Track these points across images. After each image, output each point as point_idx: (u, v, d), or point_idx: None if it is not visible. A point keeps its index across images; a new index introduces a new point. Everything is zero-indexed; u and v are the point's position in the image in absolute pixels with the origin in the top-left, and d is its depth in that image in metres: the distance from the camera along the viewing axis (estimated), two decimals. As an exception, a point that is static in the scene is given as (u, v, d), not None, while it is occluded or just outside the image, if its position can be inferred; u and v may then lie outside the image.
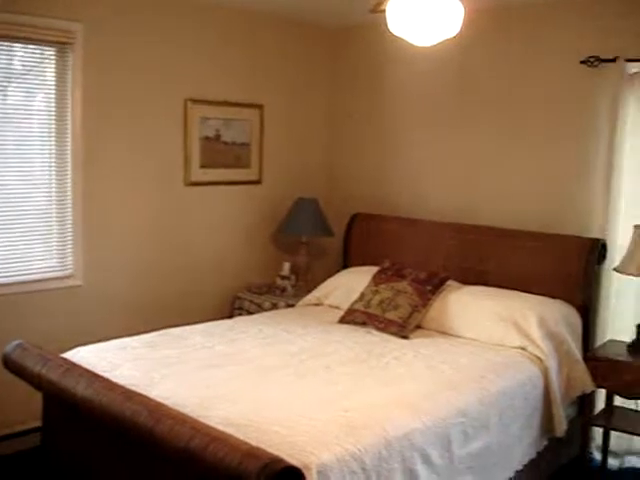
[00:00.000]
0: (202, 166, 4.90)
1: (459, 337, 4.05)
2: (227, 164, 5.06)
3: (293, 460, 2.35)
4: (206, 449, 2.33)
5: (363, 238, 5.16)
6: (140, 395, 2.77)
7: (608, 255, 4.17)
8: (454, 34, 2.58)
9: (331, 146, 5.62)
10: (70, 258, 4.35)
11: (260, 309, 4.83)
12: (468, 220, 4.74)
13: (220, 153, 5.01)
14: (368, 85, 5.33)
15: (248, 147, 5.17)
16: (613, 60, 4.11)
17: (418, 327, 4.15)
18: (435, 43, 2.62)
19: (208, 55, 4.85)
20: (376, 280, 4.43)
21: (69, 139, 4.24)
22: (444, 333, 4.12)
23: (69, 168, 4.27)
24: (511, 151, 4.64)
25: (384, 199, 5.26)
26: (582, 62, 4.24)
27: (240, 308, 5.02)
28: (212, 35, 4.84)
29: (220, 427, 2.54)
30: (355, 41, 5.37)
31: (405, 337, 3.99)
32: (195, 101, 4.79)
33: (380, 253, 4.86)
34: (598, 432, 4.27)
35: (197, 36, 4.77)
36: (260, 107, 5.19)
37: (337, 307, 4.54)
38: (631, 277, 3.90)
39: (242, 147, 5.13)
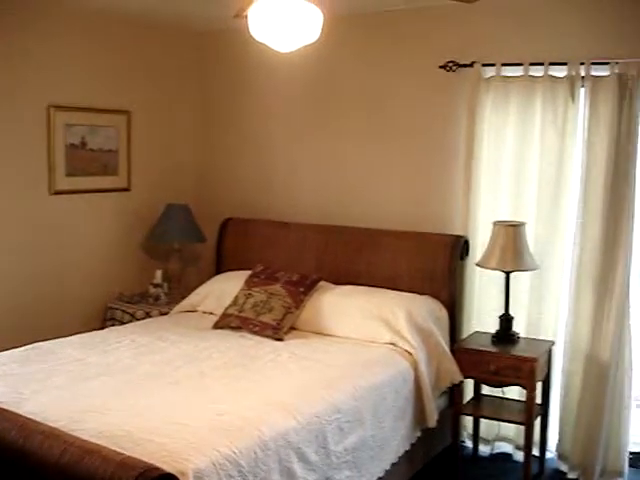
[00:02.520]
0: (68, 174, 4.75)
1: (333, 336, 4.13)
2: (94, 172, 4.93)
3: (169, 467, 2.34)
4: (79, 463, 2.28)
5: (236, 243, 5.16)
6: (8, 412, 2.67)
7: (470, 251, 4.36)
8: (314, 40, 2.64)
9: (201, 151, 5.59)
10: None
11: (133, 318, 4.74)
12: (339, 221, 4.84)
13: (86, 161, 4.88)
14: (238, 89, 5.34)
15: (116, 154, 5.06)
16: (470, 65, 4.30)
17: (293, 328, 4.20)
18: (296, 49, 2.67)
19: (72, 60, 4.71)
20: (249, 284, 4.45)
21: None
22: (318, 333, 4.18)
23: None
24: (378, 153, 4.76)
25: (256, 203, 5.28)
26: (441, 67, 4.41)
27: (112, 318, 4.90)
28: (75, 40, 4.71)
29: (94, 439, 2.49)
30: (223, 45, 5.36)
31: (280, 339, 4.03)
32: (58, 107, 4.64)
33: (253, 257, 4.89)
34: (468, 421, 4.46)
35: (60, 41, 4.62)
36: (127, 113, 5.09)
37: (211, 313, 4.52)
38: (493, 271, 4.10)
39: (109, 154, 5.02)
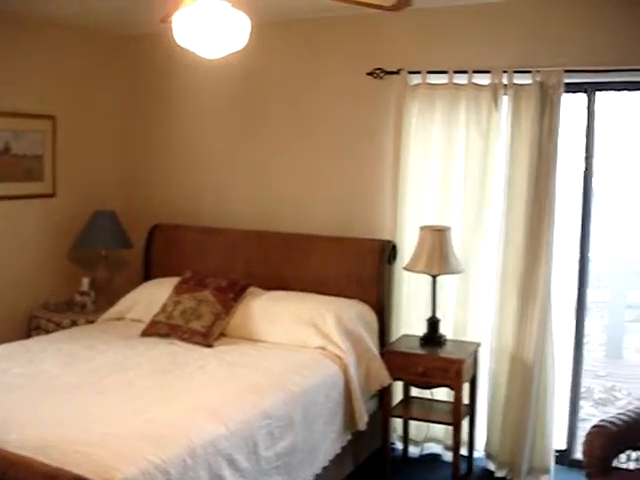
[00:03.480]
0: (-10, 180, 4.64)
1: (263, 342, 4.13)
2: (18, 177, 4.80)
3: (97, 478, 2.32)
4: (4, 475, 2.23)
5: (164, 249, 5.10)
6: None
7: (399, 255, 4.42)
8: (241, 47, 2.64)
9: (129, 157, 5.51)
10: None
11: (59, 327, 4.63)
12: (269, 227, 4.84)
13: (10, 166, 4.75)
14: (167, 94, 5.28)
15: (41, 159, 4.95)
16: (397, 72, 4.36)
17: (223, 335, 4.18)
18: (222, 55, 2.66)
19: (-7, 64, 4.60)
20: (178, 291, 4.41)
21: None
22: (249, 339, 4.17)
23: None
24: (307, 159, 4.79)
25: (185, 209, 5.23)
26: (368, 74, 4.46)
27: (37, 328, 4.78)
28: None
29: (19, 451, 2.44)
30: (152, 50, 5.29)
31: (209, 346, 4.01)
32: (-22, 113, 4.53)
33: (182, 263, 4.84)
34: (398, 423, 4.52)
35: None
36: (52, 118, 4.99)
37: (139, 320, 4.45)
38: (420, 274, 4.17)
39: (34, 160, 4.91)
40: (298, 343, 4.03)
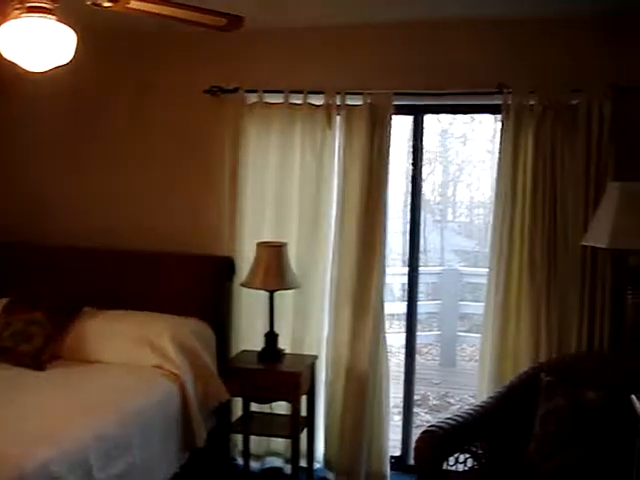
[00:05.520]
0: None
1: (98, 362, 4.03)
2: None
3: None
4: None
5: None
6: None
7: (237, 271, 4.44)
8: (67, 61, 2.60)
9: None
10: None
11: None
12: (107, 245, 4.70)
13: None
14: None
15: None
16: (234, 90, 4.41)
17: (57, 357, 4.04)
18: (47, 69, 2.61)
19: None
20: (8, 312, 4.22)
21: None
22: (84, 360, 4.05)
23: None
24: (146, 177, 4.72)
25: (19, 227, 4.97)
26: (206, 91, 4.48)
27: None
28: None
29: None
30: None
31: (41, 368, 3.87)
32: None
33: (13, 283, 4.61)
34: (239, 438, 4.53)
35: None
36: None
37: (-34, 344, 4.22)
38: (257, 290, 4.22)
39: None
40: (134, 362, 3.96)
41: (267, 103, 4.39)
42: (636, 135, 3.92)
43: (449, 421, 3.47)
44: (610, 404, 3.28)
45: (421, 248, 4.60)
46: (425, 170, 9.86)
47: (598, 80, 3.86)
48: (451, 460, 3.43)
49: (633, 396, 2.75)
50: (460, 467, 3.47)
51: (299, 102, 4.32)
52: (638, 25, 3.89)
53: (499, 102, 4.01)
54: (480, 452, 3.50)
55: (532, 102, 3.96)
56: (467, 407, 3.80)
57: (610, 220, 3.44)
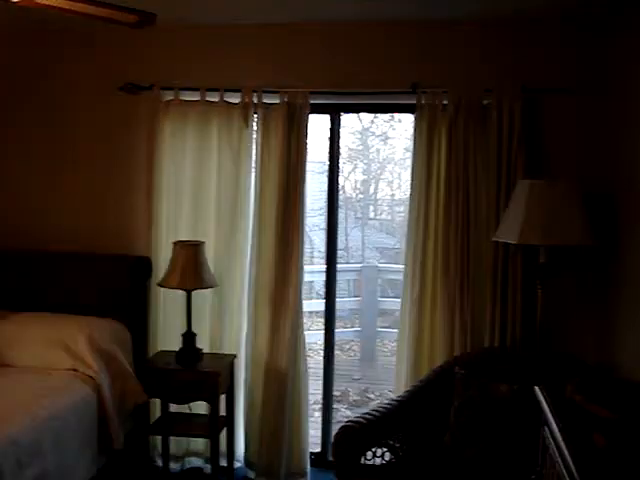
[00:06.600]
0: None
1: (12, 366, 3.92)
2: None
3: None
4: None
5: None
6: None
7: (154, 271, 4.39)
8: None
9: None
10: None
11: None
12: (20, 245, 4.56)
13: None
14: None
15: None
16: (149, 88, 4.35)
17: (-33, 362, 3.91)
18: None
19: None
20: None
21: None
22: (-3, 365, 3.94)
23: None
24: (62, 176, 4.62)
25: None
26: (120, 89, 4.41)
27: None
28: None
29: None
30: None
31: (-52, 374, 3.74)
32: None
33: None
34: (159, 439, 4.48)
35: None
36: None
37: None
38: (175, 290, 4.17)
39: None
40: (48, 366, 3.87)
41: (183, 101, 4.36)
42: (545, 135, 4.05)
43: (366, 416, 3.53)
44: (519, 396, 3.39)
45: (343, 245, 4.64)
46: (347, 168, 9.96)
47: (509, 81, 3.99)
48: (369, 455, 3.49)
49: (536, 387, 2.84)
50: (378, 461, 3.53)
51: (216, 100, 4.30)
52: (548, 27, 4.01)
53: (414, 102, 4.08)
54: (397, 445, 3.57)
55: (445, 102, 4.05)
56: (385, 402, 3.86)
57: (520, 217, 3.55)
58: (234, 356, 4.34)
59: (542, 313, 3.74)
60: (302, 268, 4.30)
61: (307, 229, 5.27)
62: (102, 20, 2.86)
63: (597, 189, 3.84)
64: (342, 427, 3.44)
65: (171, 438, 4.43)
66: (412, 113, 4.16)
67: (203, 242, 4.17)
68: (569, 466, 2.16)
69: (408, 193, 4.19)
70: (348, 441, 3.41)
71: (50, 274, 4.41)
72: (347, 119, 8.95)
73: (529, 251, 3.87)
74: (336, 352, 5.03)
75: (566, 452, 2.23)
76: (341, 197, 4.71)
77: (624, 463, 2.11)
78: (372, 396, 6.74)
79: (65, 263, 4.42)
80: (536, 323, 3.78)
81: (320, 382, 4.72)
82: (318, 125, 4.92)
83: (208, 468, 4.43)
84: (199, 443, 4.50)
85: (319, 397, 4.84)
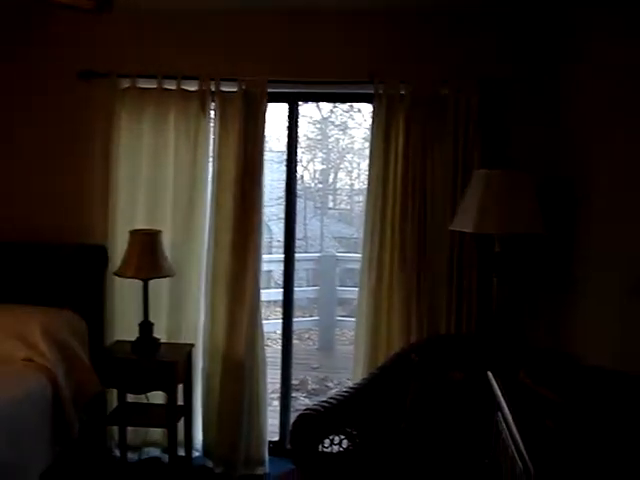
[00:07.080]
0: None
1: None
2: None
3: None
4: None
5: None
6: None
7: (111, 260, 4.34)
8: None
9: None
10: None
11: None
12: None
13: None
14: None
15: None
16: (106, 75, 4.29)
17: None
18: None
19: None
20: None
21: None
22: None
23: None
24: (16, 164, 4.53)
25: None
26: (78, 76, 4.35)
27: None
28: None
29: None
30: None
31: None
32: None
33: None
34: (115, 429, 4.45)
35: None
36: None
37: None
38: (131, 279, 4.14)
39: None
40: (2, 356, 3.80)
41: (140, 88, 4.32)
42: (501, 125, 4.10)
43: (323, 404, 3.55)
44: (474, 382, 3.43)
45: (301, 235, 4.66)
46: (305, 158, 9.97)
47: (465, 71, 4.03)
48: (327, 442, 3.51)
49: (489, 373, 2.88)
50: (336, 448, 3.55)
51: (173, 88, 4.27)
52: (501, 18, 4.06)
53: (372, 91, 4.10)
54: (354, 433, 3.59)
55: (403, 92, 4.07)
56: (342, 390, 3.88)
57: (475, 206, 3.59)
58: (192, 345, 4.32)
59: (497, 301, 3.80)
60: (260, 257, 4.31)
61: (265, 218, 5.28)
62: (59, 5, 2.84)
63: (555, 180, 3.90)
64: (299, 415, 3.46)
65: (129, 428, 4.41)
66: (371, 103, 4.18)
67: (160, 231, 4.14)
68: (520, 448, 2.20)
69: (366, 183, 4.21)
70: (306, 429, 3.42)
71: (4, 264, 4.33)
72: (306, 108, 8.99)
73: (485, 240, 3.92)
74: (294, 341, 5.05)
75: (517, 434, 2.27)
76: (300, 187, 4.74)
77: (571, 445, 2.15)
78: (331, 384, 6.79)
79: (19, 253, 4.35)
80: (491, 311, 3.84)
81: (278, 371, 4.74)
82: (277, 114, 4.93)
83: (166, 458, 4.42)
84: (157, 433, 4.48)
85: (277, 386, 4.86)
